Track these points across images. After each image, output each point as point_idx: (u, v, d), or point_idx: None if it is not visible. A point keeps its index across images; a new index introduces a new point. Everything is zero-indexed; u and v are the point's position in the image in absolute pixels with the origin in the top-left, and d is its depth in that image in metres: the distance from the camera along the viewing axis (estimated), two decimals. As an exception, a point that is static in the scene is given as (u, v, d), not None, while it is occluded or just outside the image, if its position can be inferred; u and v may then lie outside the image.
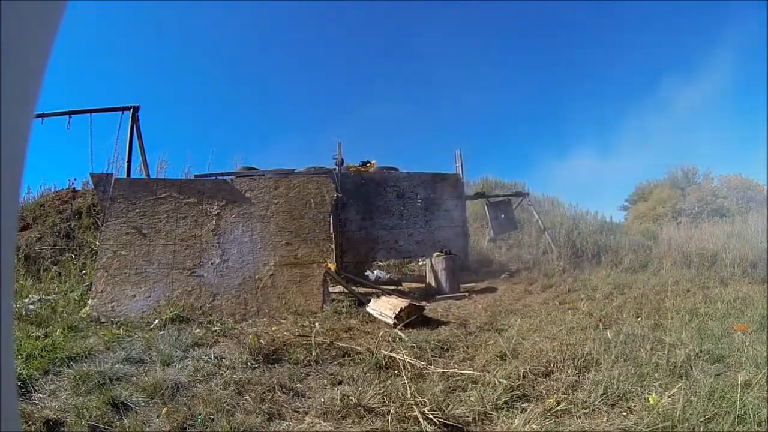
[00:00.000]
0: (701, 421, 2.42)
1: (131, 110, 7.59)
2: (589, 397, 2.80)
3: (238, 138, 26.34)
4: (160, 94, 25.24)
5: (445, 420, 2.55)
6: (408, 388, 2.92)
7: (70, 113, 7.48)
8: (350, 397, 2.82)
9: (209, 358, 3.62)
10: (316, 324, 4.57)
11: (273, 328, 4.59)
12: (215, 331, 4.58)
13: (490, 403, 2.75)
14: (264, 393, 2.98)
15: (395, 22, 29.04)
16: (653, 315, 4.81)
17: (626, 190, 24.23)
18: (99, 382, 3.06)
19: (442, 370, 3.38)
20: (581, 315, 4.99)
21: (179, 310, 5.15)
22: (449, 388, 3.06)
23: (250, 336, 4.03)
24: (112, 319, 5.02)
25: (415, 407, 2.66)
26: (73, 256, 7.99)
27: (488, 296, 6.74)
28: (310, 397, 3.04)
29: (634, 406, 2.70)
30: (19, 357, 3.36)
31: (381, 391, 2.92)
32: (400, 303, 5.12)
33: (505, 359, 3.51)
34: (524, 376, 3.14)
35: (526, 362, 3.38)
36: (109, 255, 5.72)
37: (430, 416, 2.56)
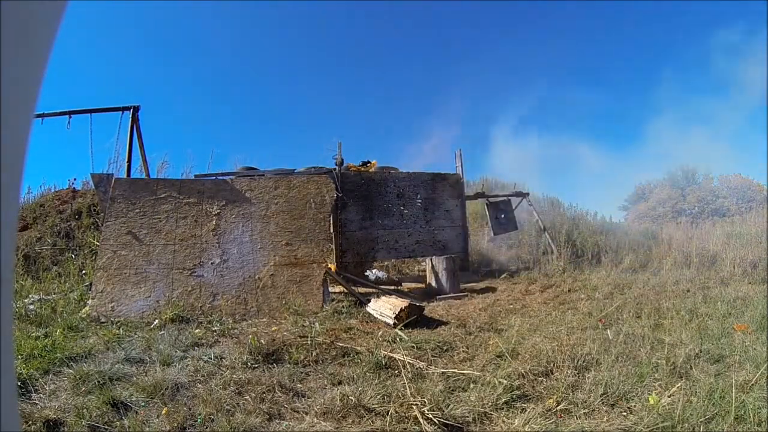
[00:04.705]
0: (701, 421, 2.42)
1: (131, 110, 7.60)
2: (589, 397, 2.80)
3: (238, 138, 26.36)
4: (161, 94, 25.27)
5: (445, 420, 2.55)
6: (408, 388, 2.92)
7: (70, 113, 7.48)
8: (350, 397, 2.81)
9: (209, 358, 3.61)
10: (316, 324, 4.57)
11: (273, 328, 4.59)
12: (215, 331, 4.59)
13: (490, 403, 2.75)
14: (264, 393, 2.98)
15: (395, 21, 29.06)
16: (653, 315, 4.81)
17: (626, 190, 24.30)
18: (99, 382, 3.06)
19: (442, 370, 3.38)
20: (581, 315, 4.98)
21: (179, 310, 5.15)
22: (449, 388, 3.05)
23: (250, 336, 4.03)
24: (112, 319, 5.02)
25: (414, 407, 2.66)
26: (73, 256, 7.99)
27: (488, 296, 6.73)
28: (310, 397, 3.03)
29: (634, 406, 2.70)
30: (19, 357, 3.36)
31: (381, 391, 2.92)
32: (400, 303, 5.12)
33: (505, 359, 3.51)
34: (524, 376, 3.14)
35: (526, 362, 3.38)
36: (109, 255, 5.72)
37: (430, 416, 2.56)
